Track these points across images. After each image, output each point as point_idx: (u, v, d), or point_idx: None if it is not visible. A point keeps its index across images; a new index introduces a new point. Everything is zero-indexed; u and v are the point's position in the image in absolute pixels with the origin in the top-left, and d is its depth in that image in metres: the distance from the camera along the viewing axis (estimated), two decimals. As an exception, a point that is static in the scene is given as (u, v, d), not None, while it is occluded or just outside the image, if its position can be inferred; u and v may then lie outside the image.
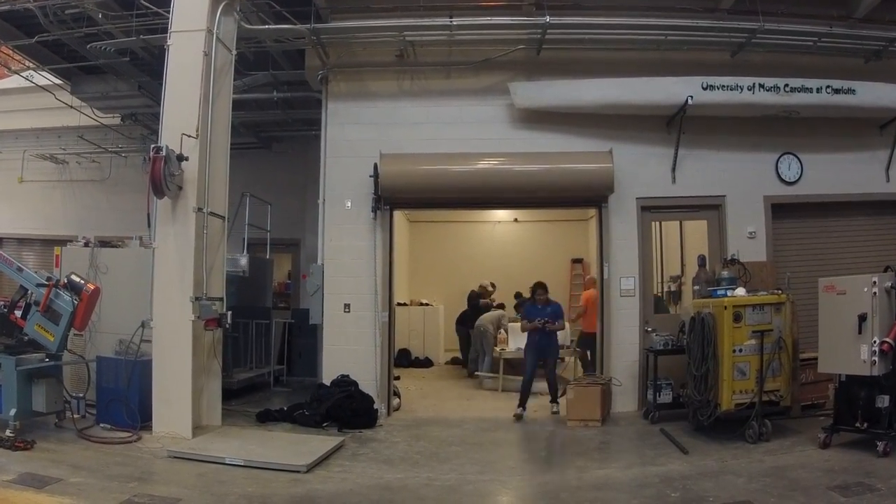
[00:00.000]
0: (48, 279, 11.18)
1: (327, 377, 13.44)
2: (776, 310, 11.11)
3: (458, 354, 21.04)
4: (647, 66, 13.73)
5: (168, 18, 11.93)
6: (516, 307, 19.59)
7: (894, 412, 9.66)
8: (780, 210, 14.00)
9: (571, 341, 17.16)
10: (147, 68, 15.26)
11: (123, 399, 11.44)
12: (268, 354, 17.09)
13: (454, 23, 13.23)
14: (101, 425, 11.41)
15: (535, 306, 14.15)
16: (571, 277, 23.64)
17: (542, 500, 8.58)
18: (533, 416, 13.38)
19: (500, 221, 24.73)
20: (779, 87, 13.14)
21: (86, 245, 13.59)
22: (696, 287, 12.97)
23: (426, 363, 21.00)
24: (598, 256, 14.20)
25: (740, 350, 10.93)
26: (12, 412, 10.31)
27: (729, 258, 12.97)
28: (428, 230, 24.26)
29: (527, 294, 15.59)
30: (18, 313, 11.24)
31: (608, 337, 13.79)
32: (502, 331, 17.97)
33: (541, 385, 15.20)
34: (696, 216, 14.43)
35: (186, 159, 11.35)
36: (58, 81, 16.88)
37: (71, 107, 17.67)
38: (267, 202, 17.87)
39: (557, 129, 14.10)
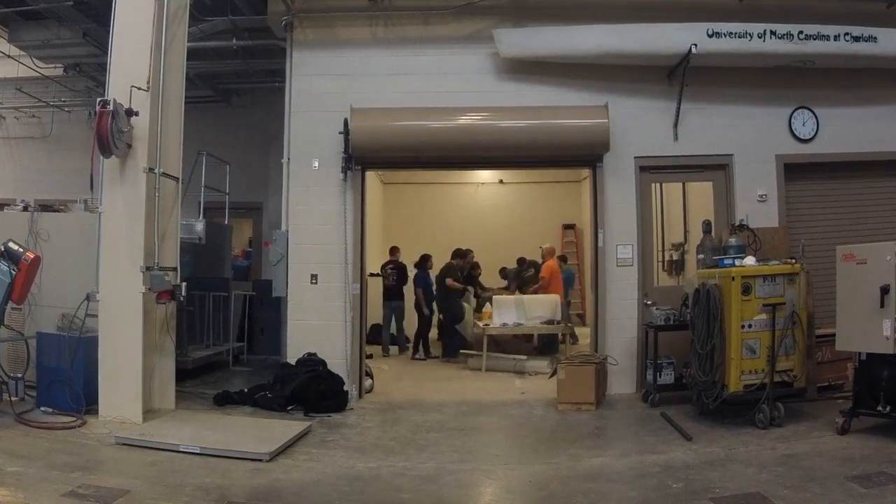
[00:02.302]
0: (-18, 247, 11.06)
1: (292, 356, 13.38)
2: (789, 281, 11.02)
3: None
4: (647, 11, 13.61)
5: (115, -44, 11.72)
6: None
7: (920, 394, 9.66)
8: (794, 170, 13.92)
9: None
10: (93, 13, 14.99)
11: (67, 380, 11.30)
12: (226, 330, 17.03)
13: (433, -40, 13.06)
14: (42, 409, 11.29)
15: None
16: (563, 245, 23.66)
17: (531, 492, 8.52)
18: (521, 399, 13.37)
19: (483, 183, 24.75)
20: (792, 35, 13.00)
21: (25, 209, 13.53)
22: (701, 256, 12.86)
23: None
24: (592, 222, 14.13)
25: (750, 325, 10.83)
26: (-58, 394, 10.23)
27: (737, 224, 12.92)
28: (403, 193, 24.24)
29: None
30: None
31: (603, 311, 13.75)
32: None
33: (532, 363, 15.24)
34: (700, 177, 14.34)
35: (136, 114, 11.19)
36: (-7, 28, 16.66)
37: (8, 56, 17.41)
38: (225, 162, 17.77)
39: (547, 80, 13.99)
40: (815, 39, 13.00)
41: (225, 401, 12.76)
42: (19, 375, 11.66)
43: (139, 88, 11.23)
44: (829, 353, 12.13)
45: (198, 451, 9.61)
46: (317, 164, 13.85)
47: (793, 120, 13.90)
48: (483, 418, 12.15)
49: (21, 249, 11.19)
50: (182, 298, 12.05)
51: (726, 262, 11.58)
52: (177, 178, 12.27)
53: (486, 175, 24.36)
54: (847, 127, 13.90)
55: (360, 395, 13.48)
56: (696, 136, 13.87)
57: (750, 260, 11.49)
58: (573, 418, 11.87)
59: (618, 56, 13.48)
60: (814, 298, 11.89)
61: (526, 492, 8.57)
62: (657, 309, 12.89)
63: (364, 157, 13.75)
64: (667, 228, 14.60)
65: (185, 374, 14.08)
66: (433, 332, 19.33)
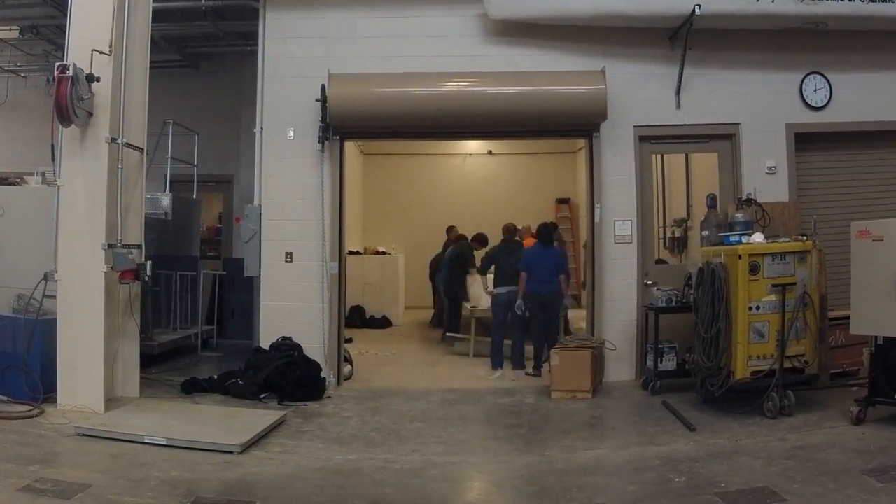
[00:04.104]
0: (-69, 223, 11.00)
1: (265, 340, 13.35)
2: (800, 259, 10.98)
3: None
4: (648, -32, 13.50)
5: None
6: None
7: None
8: (805, 140, 13.90)
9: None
10: (50, -30, 14.92)
11: (23, 366, 11.27)
12: (195, 313, 16.98)
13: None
14: (-4, 397, 11.26)
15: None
16: (557, 221, 23.58)
17: (522, 486, 8.49)
18: (511, 387, 13.38)
19: (471, 154, 24.71)
20: (804, -7, 12.99)
21: (-23, 182, 13.40)
22: (706, 232, 12.82)
23: (383, 323, 21.02)
24: (589, 196, 14.09)
25: (758, 307, 10.79)
26: None
27: (744, 198, 12.87)
28: (385, 164, 24.23)
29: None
30: None
31: (600, 292, 13.71)
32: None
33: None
34: (704, 148, 14.36)
35: (98, 80, 11.10)
36: (-59, -13, 16.49)
37: (-42, 17, 17.29)
38: (194, 131, 17.67)
39: (540, 44, 13.93)
40: (827, -1, 12.99)
41: (193, 388, 12.72)
42: (-29, 361, 11.64)
43: (101, 52, 11.15)
44: (843, 337, 12.13)
45: (164, 443, 9.56)
46: (292, 133, 13.79)
47: (804, 86, 13.87)
48: (471, 407, 12.14)
49: (-27, 226, 11.16)
50: (147, 278, 12.00)
51: (732, 238, 11.50)
52: (141, 149, 12.21)
53: (473, 146, 24.31)
54: (862, 94, 13.87)
55: (338, 383, 13.46)
56: (701, 103, 13.82)
57: (758, 237, 11.42)
58: (568, 407, 11.88)
59: (616, 17, 13.40)
60: (827, 278, 11.84)
61: (517, 486, 8.53)
62: (658, 289, 12.87)
63: (343, 126, 13.68)
64: (668, 203, 14.62)
65: (151, 360, 14.02)
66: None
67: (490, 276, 16.12)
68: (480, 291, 16.84)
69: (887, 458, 8.60)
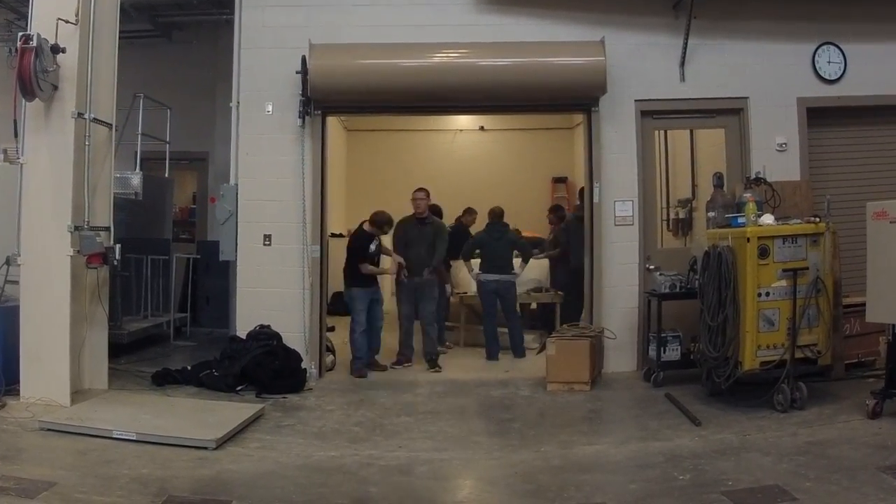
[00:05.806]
0: None
1: (242, 328, 13.30)
2: (813, 242, 10.94)
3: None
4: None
5: None
6: None
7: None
8: (818, 115, 13.84)
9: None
10: (12, -66, 14.84)
11: (-17, 356, 11.22)
12: (167, 299, 16.99)
13: None
14: (-45, 390, 11.20)
15: None
16: (553, 201, 23.56)
17: (516, 484, 8.45)
18: (505, 378, 13.39)
19: (461, 130, 24.61)
20: (817, -43, 12.97)
21: (-65, 160, 13.34)
22: (712, 214, 12.77)
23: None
24: (587, 174, 14.04)
25: (767, 294, 10.76)
26: None
27: (753, 177, 12.76)
28: (370, 141, 24.16)
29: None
30: None
31: (599, 277, 13.69)
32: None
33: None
34: (710, 123, 14.35)
35: (63, 51, 11.03)
36: None
37: (-87, -16, 17.18)
38: (166, 106, 17.62)
39: (535, 12, 13.87)
40: (842, -35, 12.97)
41: (165, 380, 12.73)
42: (-71, 351, 11.60)
43: (67, 22, 11.06)
44: (858, 325, 12.11)
45: (134, 438, 9.54)
46: (270, 108, 13.72)
47: (816, 58, 13.81)
48: (461, 400, 12.13)
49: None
50: (116, 262, 11.97)
51: (740, 220, 11.43)
52: (110, 125, 12.18)
53: (464, 121, 24.23)
54: (879, 66, 13.78)
55: (320, 374, 13.46)
56: (706, 76, 13.78)
57: (768, 218, 11.35)
58: (564, 400, 11.87)
59: (616, -17, 13.39)
60: (841, 262, 11.85)
61: (511, 484, 8.49)
62: (661, 274, 12.84)
63: (325, 100, 13.64)
64: (672, 182, 14.59)
65: (120, 350, 14.03)
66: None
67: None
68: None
69: (906, 454, 8.62)
